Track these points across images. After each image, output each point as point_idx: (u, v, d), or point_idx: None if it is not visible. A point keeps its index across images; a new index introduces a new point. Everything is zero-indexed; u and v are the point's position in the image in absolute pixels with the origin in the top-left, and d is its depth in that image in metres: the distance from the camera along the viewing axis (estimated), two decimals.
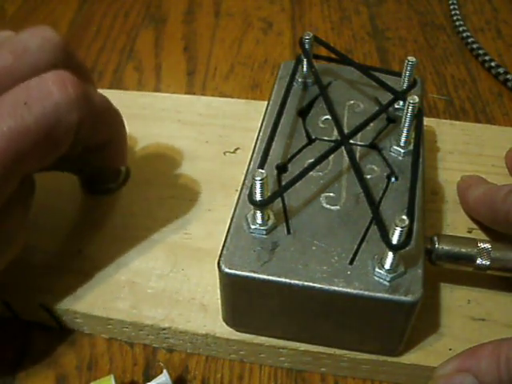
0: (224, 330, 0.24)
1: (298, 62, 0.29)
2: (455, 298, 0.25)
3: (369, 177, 0.24)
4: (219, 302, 0.24)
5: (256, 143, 0.26)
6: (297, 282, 0.20)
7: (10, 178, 0.20)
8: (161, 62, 0.44)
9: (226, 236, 0.22)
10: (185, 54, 0.44)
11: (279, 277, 0.20)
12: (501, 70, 0.40)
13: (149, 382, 0.23)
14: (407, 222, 0.19)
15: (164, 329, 0.25)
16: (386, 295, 0.20)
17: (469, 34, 0.44)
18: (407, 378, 0.24)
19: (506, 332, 0.24)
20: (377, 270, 0.20)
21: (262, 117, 0.28)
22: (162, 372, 0.23)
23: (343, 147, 0.24)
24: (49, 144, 0.20)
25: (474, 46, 0.43)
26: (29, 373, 0.25)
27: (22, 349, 0.26)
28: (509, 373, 0.19)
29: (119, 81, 0.42)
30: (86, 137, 0.22)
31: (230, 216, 0.23)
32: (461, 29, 0.45)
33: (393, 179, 0.24)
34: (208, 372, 0.25)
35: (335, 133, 0.26)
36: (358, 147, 0.26)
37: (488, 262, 0.24)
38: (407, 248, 0.20)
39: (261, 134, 0.26)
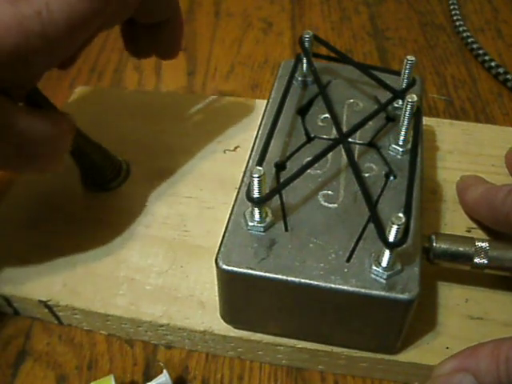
0: (222, 327, 0.24)
1: (298, 60, 0.29)
2: (453, 297, 0.25)
3: (367, 175, 0.24)
4: (217, 299, 0.24)
5: (255, 141, 0.26)
6: (294, 279, 0.20)
7: (87, 28, 0.21)
8: (161, 62, 0.44)
9: (224, 233, 0.22)
10: (185, 53, 0.44)
11: (276, 274, 0.21)
12: (501, 70, 0.40)
13: (149, 382, 0.23)
14: (404, 220, 0.19)
15: (162, 325, 0.25)
16: (383, 293, 0.20)
17: (469, 34, 0.44)
18: (404, 376, 0.24)
19: (504, 331, 0.24)
20: (374, 267, 0.21)
21: (261, 115, 0.28)
22: (161, 372, 0.23)
23: (342, 145, 0.24)
24: (121, 2, 0.22)
25: (474, 46, 0.43)
26: (29, 373, 0.25)
27: (22, 349, 0.26)
28: (508, 372, 0.19)
29: (119, 81, 0.42)
30: (148, 9, 0.24)
31: (229, 213, 0.23)
32: (461, 29, 0.45)
33: (391, 178, 0.24)
34: (208, 372, 0.25)
35: (334, 131, 0.26)
36: (357, 146, 0.26)
37: (485, 261, 0.24)
38: (404, 246, 0.20)
39: (260, 132, 0.27)
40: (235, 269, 0.21)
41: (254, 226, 0.22)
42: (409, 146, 0.25)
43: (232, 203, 0.23)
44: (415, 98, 0.24)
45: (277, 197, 0.23)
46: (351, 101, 0.29)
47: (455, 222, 0.28)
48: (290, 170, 0.25)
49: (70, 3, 0.19)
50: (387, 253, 0.20)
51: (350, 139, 0.25)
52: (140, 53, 0.28)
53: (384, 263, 0.20)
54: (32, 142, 0.21)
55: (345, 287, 0.20)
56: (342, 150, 0.25)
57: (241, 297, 0.22)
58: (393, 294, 0.20)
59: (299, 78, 0.29)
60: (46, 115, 0.22)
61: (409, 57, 0.27)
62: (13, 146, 0.20)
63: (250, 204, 0.22)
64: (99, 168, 0.30)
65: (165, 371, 0.23)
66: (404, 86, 0.28)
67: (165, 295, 0.25)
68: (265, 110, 0.28)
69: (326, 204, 0.23)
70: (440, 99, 0.40)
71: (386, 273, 0.20)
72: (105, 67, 0.43)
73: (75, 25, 0.20)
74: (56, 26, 0.19)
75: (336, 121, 0.25)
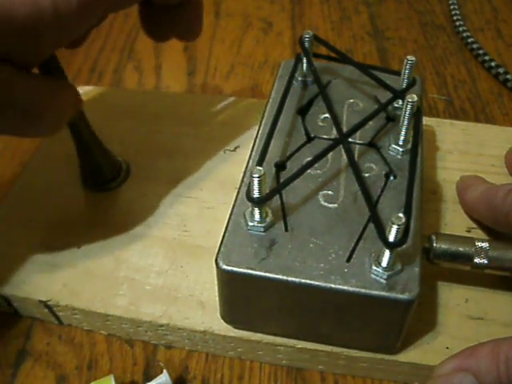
0: (222, 327, 0.24)
1: (298, 60, 0.29)
2: (453, 297, 0.25)
3: (367, 175, 0.24)
4: (217, 299, 0.24)
5: (255, 141, 0.26)
6: (294, 279, 0.20)
7: (99, 6, 0.21)
8: (161, 62, 0.44)
9: (224, 233, 0.22)
10: (185, 53, 0.44)
11: (276, 274, 0.21)
12: (501, 70, 0.40)
13: (149, 382, 0.23)
14: (404, 220, 0.19)
15: (162, 325, 0.25)
16: (383, 293, 0.20)
17: (469, 34, 0.44)
18: (404, 376, 0.24)
19: (504, 331, 0.24)
20: (374, 267, 0.21)
21: (261, 115, 0.28)
22: (161, 372, 0.23)
23: (342, 145, 0.24)
24: None
25: (474, 46, 0.43)
26: (29, 373, 0.25)
27: (22, 349, 0.26)
28: (508, 372, 0.19)
29: (119, 81, 0.42)
30: None
31: (229, 213, 0.23)
32: (461, 29, 0.45)
33: (391, 178, 0.24)
34: (208, 372, 0.25)
35: (334, 131, 0.26)
36: (357, 146, 0.26)
37: (485, 261, 0.24)
38: (404, 246, 0.20)
39: (260, 132, 0.27)
40: (235, 269, 0.21)
41: (253, 225, 0.22)
42: (409, 146, 0.25)
43: (232, 203, 0.23)
44: (415, 97, 0.24)
45: (277, 197, 0.23)
46: (351, 101, 0.29)
47: (455, 222, 0.28)
48: (290, 170, 0.25)
49: None
50: (387, 253, 0.20)
51: (350, 139, 0.25)
52: (160, 35, 0.28)
53: (384, 263, 0.20)
54: (35, 106, 0.21)
55: (345, 287, 0.20)
56: (342, 150, 0.25)
57: (241, 297, 0.22)
58: (393, 294, 0.20)
59: (299, 78, 0.29)
60: (51, 81, 0.22)
61: (409, 57, 0.27)
62: (16, 110, 0.21)
63: (249, 204, 0.22)
64: (99, 168, 0.30)
65: (165, 371, 0.23)
66: (404, 86, 0.28)
67: (165, 295, 0.25)
68: (265, 110, 0.28)
69: (326, 204, 0.23)
70: (440, 99, 0.40)
71: (386, 273, 0.20)
72: (105, 67, 0.43)
73: (88, 3, 0.20)
74: (69, 2, 0.19)
75: (336, 121, 0.25)
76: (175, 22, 0.26)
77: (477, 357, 0.20)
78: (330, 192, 0.24)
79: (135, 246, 0.28)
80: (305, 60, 0.29)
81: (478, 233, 0.28)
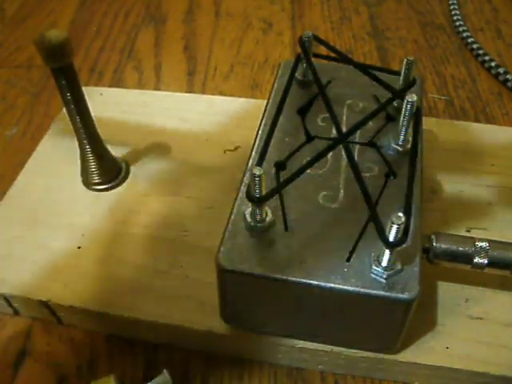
0: (222, 327, 0.24)
1: (298, 60, 0.29)
2: (453, 297, 0.25)
3: (367, 175, 0.24)
4: (217, 299, 0.24)
5: (255, 141, 0.26)
6: (294, 278, 0.20)
7: None
8: (161, 62, 0.44)
9: (224, 233, 0.22)
10: (185, 53, 0.45)
11: (276, 273, 0.21)
12: (501, 70, 0.40)
13: (149, 382, 0.23)
14: (403, 220, 0.19)
15: (162, 325, 0.25)
16: (383, 292, 0.20)
17: (469, 34, 0.44)
18: (404, 376, 0.24)
19: (504, 331, 0.24)
20: (374, 267, 0.21)
21: (261, 115, 0.28)
22: (162, 372, 0.23)
23: (341, 145, 0.24)
24: None
25: (474, 46, 0.43)
26: (29, 373, 0.25)
27: (22, 349, 0.26)
28: None
29: (119, 81, 0.42)
30: None
31: (229, 213, 0.23)
32: (461, 29, 0.45)
33: (391, 177, 0.24)
34: (208, 372, 0.25)
35: (334, 131, 0.27)
36: (357, 145, 0.26)
37: (485, 261, 0.24)
38: (404, 245, 0.20)
39: (260, 131, 0.27)
40: (235, 269, 0.21)
41: (254, 225, 0.22)
42: (409, 145, 0.25)
43: (232, 203, 0.23)
44: (415, 97, 0.24)
45: (277, 197, 0.23)
46: (351, 101, 0.29)
47: (455, 222, 0.28)
48: (289, 169, 0.25)
49: None
50: (387, 252, 0.20)
51: (349, 139, 0.25)
52: None
53: (384, 263, 0.20)
54: None
55: (345, 287, 0.20)
56: (342, 150, 0.25)
57: (241, 297, 0.22)
58: (393, 294, 0.20)
59: (299, 78, 0.29)
60: None
61: (408, 57, 0.27)
62: None
63: (250, 204, 0.22)
64: (100, 168, 0.30)
65: (165, 371, 0.23)
66: (404, 86, 0.28)
67: (165, 295, 0.25)
68: (265, 110, 0.28)
69: (326, 204, 0.23)
70: (440, 99, 0.40)
71: (385, 272, 0.20)
72: (105, 67, 0.43)
73: None
74: None
75: (336, 121, 0.25)
76: None
77: None
78: (329, 192, 0.24)
79: (135, 245, 0.28)
80: (305, 60, 0.29)
81: (478, 233, 0.28)
